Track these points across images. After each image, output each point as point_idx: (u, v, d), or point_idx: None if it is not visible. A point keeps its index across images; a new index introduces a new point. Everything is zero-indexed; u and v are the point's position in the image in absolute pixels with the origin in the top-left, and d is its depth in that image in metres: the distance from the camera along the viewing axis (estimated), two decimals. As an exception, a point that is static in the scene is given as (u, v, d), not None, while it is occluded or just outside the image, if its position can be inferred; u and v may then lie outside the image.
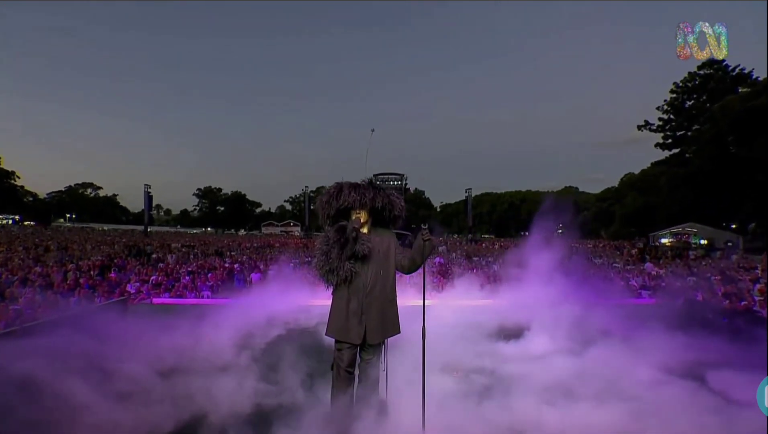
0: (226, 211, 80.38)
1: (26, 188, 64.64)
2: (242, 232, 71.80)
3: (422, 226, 2.56)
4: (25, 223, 52.42)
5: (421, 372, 2.61)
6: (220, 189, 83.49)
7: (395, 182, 49.30)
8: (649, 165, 44.41)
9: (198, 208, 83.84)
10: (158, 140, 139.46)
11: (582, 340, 4.07)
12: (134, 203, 78.38)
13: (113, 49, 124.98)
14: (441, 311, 4.75)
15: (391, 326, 2.63)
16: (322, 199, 2.65)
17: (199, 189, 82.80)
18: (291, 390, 3.11)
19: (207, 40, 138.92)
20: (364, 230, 2.68)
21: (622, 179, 52.15)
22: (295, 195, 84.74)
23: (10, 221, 51.64)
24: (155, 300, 6.07)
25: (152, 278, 10.67)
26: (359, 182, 2.66)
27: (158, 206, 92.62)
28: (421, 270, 2.66)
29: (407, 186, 48.45)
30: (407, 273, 2.70)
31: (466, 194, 43.31)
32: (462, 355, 3.93)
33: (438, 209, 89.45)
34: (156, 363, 3.37)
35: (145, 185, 39.75)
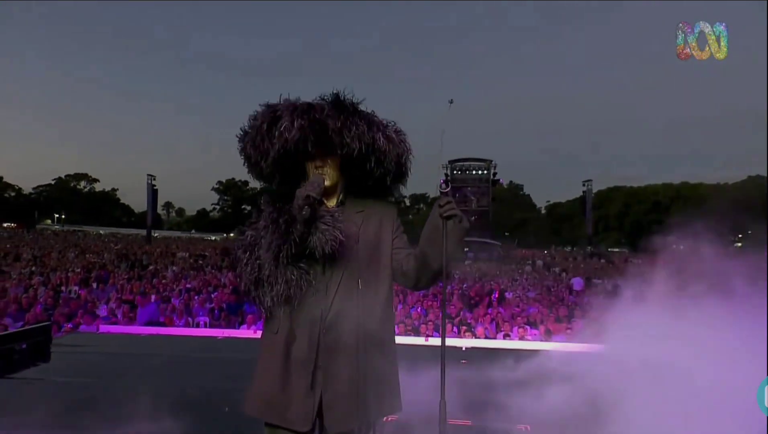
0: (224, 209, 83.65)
1: (6, 180, 72.84)
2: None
3: (440, 186, 1.77)
4: (5, 225, 58.60)
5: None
6: (246, 183, 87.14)
7: (480, 172, 48.37)
8: None
9: (218, 207, 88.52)
10: (168, 120, 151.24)
11: None
12: (138, 200, 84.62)
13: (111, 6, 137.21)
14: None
15: (380, 396, 1.85)
16: (246, 137, 1.92)
17: (219, 182, 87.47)
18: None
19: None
20: (331, 203, 1.94)
21: None
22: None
23: (-15, 223, 58.06)
24: (103, 329, 5.85)
25: (138, 297, 10.83)
26: (314, 102, 1.86)
27: (168, 205, 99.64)
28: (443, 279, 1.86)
29: (496, 177, 47.26)
30: (414, 286, 1.92)
31: (584, 189, 41.30)
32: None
33: (543, 211, 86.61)
34: None
35: (149, 176, 41.99)
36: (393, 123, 1.94)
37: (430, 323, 8.32)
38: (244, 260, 1.84)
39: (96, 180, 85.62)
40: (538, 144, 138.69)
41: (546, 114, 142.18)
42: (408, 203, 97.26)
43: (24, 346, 4.24)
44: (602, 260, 33.36)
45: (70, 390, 3.80)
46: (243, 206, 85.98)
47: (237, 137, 1.95)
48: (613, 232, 68.68)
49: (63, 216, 73.55)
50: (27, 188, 77.77)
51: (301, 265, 1.79)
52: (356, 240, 1.87)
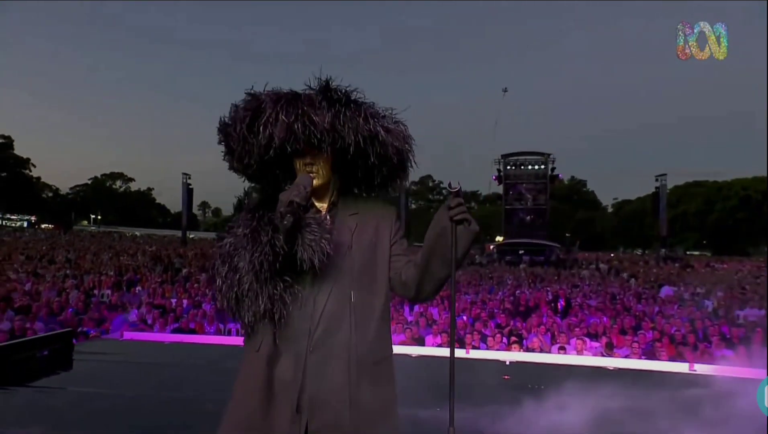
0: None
1: (44, 181, 76.90)
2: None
3: (449, 187, 1.69)
4: (42, 226, 62.06)
5: None
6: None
7: (536, 167, 47.36)
8: None
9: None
10: (203, 116, 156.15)
11: None
12: (174, 200, 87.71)
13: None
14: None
15: (374, 422, 1.78)
16: (227, 129, 1.87)
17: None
18: None
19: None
20: (323, 204, 1.91)
21: None
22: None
23: (25, 223, 61.43)
24: (127, 335, 6.04)
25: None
26: (301, 91, 1.80)
27: (204, 204, 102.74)
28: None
29: (555, 172, 46.09)
30: (415, 297, 1.87)
31: (658, 185, 39.72)
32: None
33: (609, 209, 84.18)
34: None
35: (184, 174, 43.38)
36: (391, 111, 1.88)
37: (476, 333, 8.20)
38: (223, 273, 1.78)
39: (131, 179, 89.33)
40: (604, 135, 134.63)
41: (613, 102, 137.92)
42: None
43: (45, 353, 4.44)
44: (677, 265, 32.02)
45: (90, 401, 3.91)
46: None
47: (217, 130, 1.91)
48: (692, 233, 65.85)
49: (99, 217, 77.20)
50: (64, 188, 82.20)
51: (286, 278, 1.73)
52: (349, 247, 1.82)
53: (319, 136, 1.73)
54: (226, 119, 1.87)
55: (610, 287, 17.66)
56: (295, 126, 1.71)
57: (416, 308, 11.10)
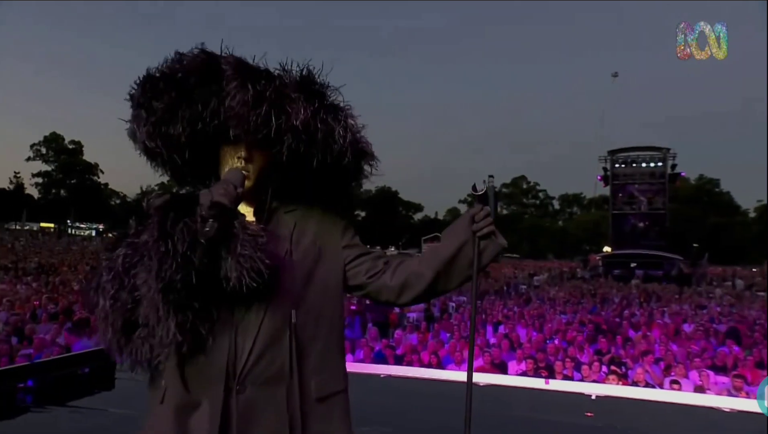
0: (368, 217, 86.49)
1: (111, 187, 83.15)
2: (392, 250, 75.78)
3: (474, 189, 1.62)
4: (110, 234, 66.72)
5: None
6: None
7: (652, 164, 45.16)
8: None
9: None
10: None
11: None
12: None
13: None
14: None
15: None
16: (154, 86, 1.56)
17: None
18: None
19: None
20: (247, 211, 1.65)
21: None
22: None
23: (93, 232, 66.12)
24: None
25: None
26: (273, 71, 1.58)
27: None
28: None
29: (676, 170, 43.72)
30: (404, 304, 1.82)
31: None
32: None
33: (752, 214, 78.85)
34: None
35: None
36: (361, 127, 1.69)
37: (569, 360, 7.88)
38: (111, 292, 1.47)
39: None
40: (741, 127, 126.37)
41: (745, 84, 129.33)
42: (557, 206, 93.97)
43: (87, 370, 4.67)
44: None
45: (130, 423, 4.06)
46: (355, 212, 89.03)
47: (135, 83, 1.61)
48: None
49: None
50: (131, 194, 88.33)
51: (198, 303, 1.44)
52: (288, 252, 1.60)
53: (282, 133, 1.52)
54: (156, 72, 1.58)
55: (747, 310, 16.49)
56: (256, 111, 1.49)
57: (501, 328, 10.88)
